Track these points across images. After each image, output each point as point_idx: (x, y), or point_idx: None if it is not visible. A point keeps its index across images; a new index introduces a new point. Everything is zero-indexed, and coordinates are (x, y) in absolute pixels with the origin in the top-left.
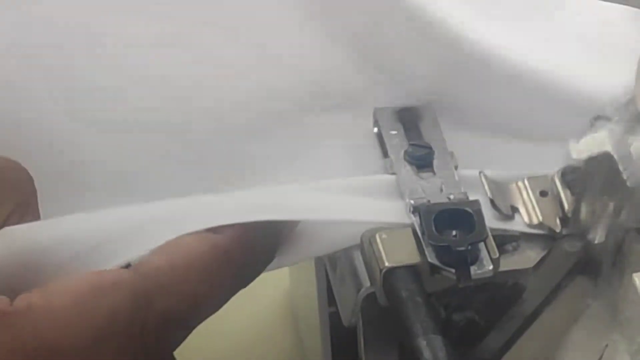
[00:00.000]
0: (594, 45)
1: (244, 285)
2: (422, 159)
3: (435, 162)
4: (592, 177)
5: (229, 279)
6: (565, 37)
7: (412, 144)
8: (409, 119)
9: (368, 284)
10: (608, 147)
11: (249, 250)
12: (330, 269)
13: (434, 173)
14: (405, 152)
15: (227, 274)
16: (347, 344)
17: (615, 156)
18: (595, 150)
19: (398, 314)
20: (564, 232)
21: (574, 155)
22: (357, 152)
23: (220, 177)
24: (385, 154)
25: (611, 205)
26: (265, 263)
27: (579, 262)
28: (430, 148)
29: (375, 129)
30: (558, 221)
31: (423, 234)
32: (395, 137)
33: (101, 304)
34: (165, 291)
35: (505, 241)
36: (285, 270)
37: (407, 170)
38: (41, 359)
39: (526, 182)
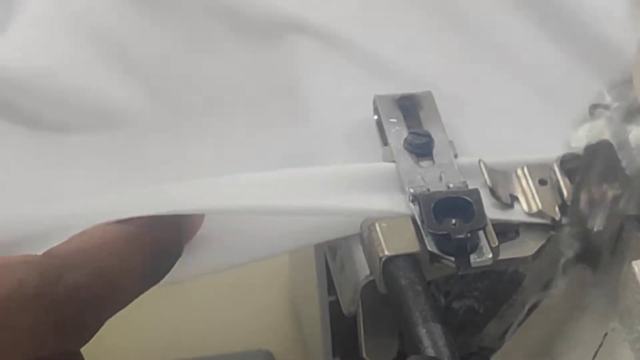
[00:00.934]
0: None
1: (157, 279)
2: (421, 148)
3: (434, 151)
4: (591, 165)
5: (140, 263)
6: None
7: (412, 132)
8: (408, 107)
9: (368, 272)
10: (607, 135)
11: (160, 237)
12: (330, 257)
13: (434, 162)
14: (405, 140)
15: (137, 256)
16: (347, 333)
17: (614, 144)
18: (593, 138)
19: (398, 302)
20: (563, 220)
21: (573, 144)
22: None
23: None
24: (384, 142)
25: (610, 193)
26: (175, 255)
27: (578, 250)
28: (430, 136)
29: (375, 117)
30: (557, 209)
31: (422, 222)
32: (395, 125)
33: (9, 276)
34: (75, 267)
35: (504, 229)
36: (284, 259)
37: (406, 158)
38: None
39: (525, 170)
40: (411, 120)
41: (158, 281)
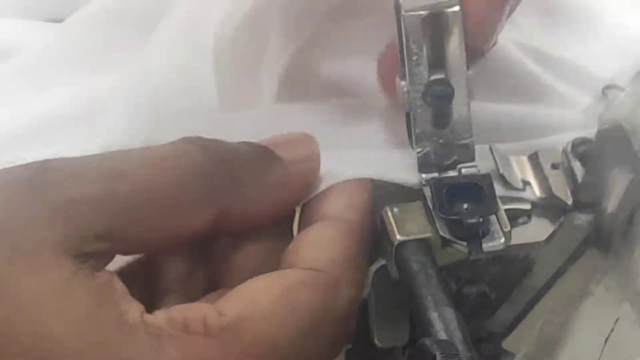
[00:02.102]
0: None
1: None
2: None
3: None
4: (603, 149)
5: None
6: None
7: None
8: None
9: (379, 257)
10: (619, 118)
11: None
12: None
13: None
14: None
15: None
16: (360, 320)
17: (626, 127)
18: (606, 121)
19: (409, 287)
20: (575, 204)
21: (585, 127)
22: None
23: None
24: (402, 76)
25: (622, 177)
26: None
27: (589, 235)
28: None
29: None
30: (569, 193)
31: (434, 207)
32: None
33: (299, 302)
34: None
35: (516, 215)
36: None
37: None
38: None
39: (538, 155)
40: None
41: None
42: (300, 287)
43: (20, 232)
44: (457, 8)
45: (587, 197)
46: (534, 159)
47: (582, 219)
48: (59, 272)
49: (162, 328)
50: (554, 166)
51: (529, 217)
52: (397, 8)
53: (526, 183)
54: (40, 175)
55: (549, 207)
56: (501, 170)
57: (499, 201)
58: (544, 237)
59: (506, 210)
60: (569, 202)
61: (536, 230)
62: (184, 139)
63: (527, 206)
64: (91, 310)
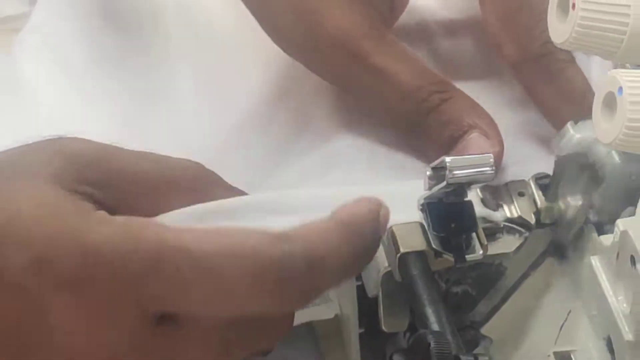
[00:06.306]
0: None
1: None
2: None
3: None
4: (559, 182)
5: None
6: None
7: None
8: None
9: (387, 264)
10: (580, 149)
11: None
12: None
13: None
14: None
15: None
16: (370, 310)
17: (589, 158)
18: (571, 150)
19: (410, 288)
20: (537, 224)
21: (557, 154)
22: None
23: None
24: None
25: (573, 203)
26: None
27: (548, 246)
28: None
29: None
30: (532, 216)
31: (429, 226)
32: None
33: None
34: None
35: (492, 232)
36: None
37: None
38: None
39: (508, 185)
40: None
41: None
42: (347, 229)
43: (25, 167)
44: None
45: (546, 219)
46: (505, 188)
47: (543, 234)
48: (49, 192)
49: None
50: (521, 194)
51: (502, 233)
52: None
53: (499, 206)
54: (60, 146)
55: (517, 225)
56: (481, 197)
57: (478, 221)
58: (513, 249)
59: (484, 229)
60: (532, 222)
61: (507, 243)
62: (190, 161)
63: (500, 225)
64: (75, 211)
